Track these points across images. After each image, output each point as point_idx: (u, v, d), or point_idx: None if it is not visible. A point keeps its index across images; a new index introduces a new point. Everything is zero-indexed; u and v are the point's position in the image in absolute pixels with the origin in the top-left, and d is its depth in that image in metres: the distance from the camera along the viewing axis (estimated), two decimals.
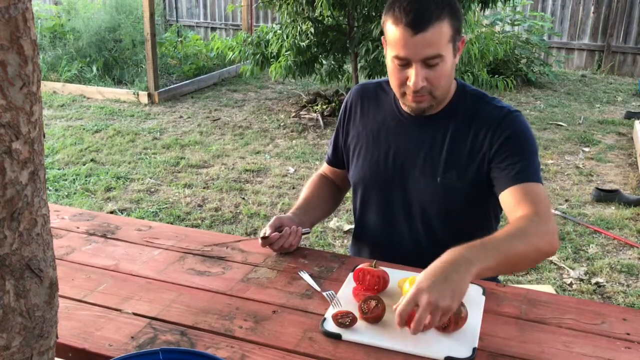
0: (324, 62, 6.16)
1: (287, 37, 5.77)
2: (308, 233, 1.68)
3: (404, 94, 1.52)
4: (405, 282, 1.35)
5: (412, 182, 1.61)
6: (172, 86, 6.93)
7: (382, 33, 1.53)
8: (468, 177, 1.55)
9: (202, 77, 7.43)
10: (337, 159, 1.82)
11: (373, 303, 1.29)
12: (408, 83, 1.46)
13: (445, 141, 1.57)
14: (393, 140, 1.63)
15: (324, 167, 1.89)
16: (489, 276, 1.40)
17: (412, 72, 1.45)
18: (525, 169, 1.48)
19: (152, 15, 6.36)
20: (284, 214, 1.70)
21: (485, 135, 1.53)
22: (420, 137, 1.60)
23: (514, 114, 1.55)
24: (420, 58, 1.42)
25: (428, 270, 1.23)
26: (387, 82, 1.61)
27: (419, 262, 1.57)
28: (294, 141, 5.40)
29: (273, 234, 1.59)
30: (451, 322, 1.23)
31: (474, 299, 1.36)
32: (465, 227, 1.61)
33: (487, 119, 1.54)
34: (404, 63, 1.45)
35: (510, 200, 1.47)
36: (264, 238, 1.59)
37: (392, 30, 1.44)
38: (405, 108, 1.60)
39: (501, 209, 1.68)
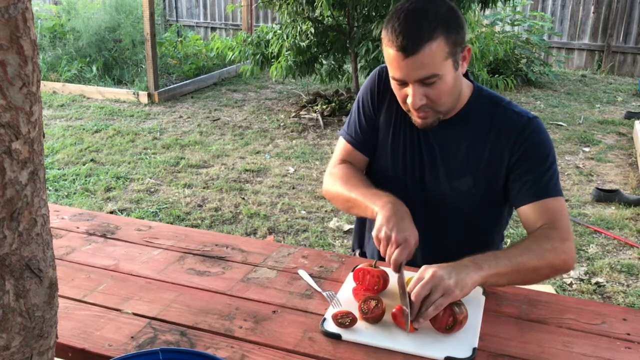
0: (324, 62, 6.17)
1: (287, 37, 5.77)
2: None
3: (408, 110, 1.50)
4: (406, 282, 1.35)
5: (426, 185, 1.59)
6: (172, 86, 6.93)
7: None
8: (484, 183, 1.54)
9: (202, 77, 7.43)
10: (366, 140, 1.66)
11: (373, 303, 1.29)
12: (407, 101, 1.45)
13: (463, 146, 1.55)
14: (410, 140, 1.60)
15: (344, 152, 1.70)
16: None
17: (409, 91, 1.43)
18: (546, 184, 1.48)
19: (152, 15, 6.36)
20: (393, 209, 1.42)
21: (507, 142, 1.51)
22: (436, 140, 1.57)
23: (534, 121, 1.51)
24: (414, 79, 1.40)
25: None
26: None
27: (423, 264, 1.57)
28: (294, 141, 5.39)
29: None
30: (455, 322, 1.23)
31: (474, 299, 1.36)
32: (474, 231, 1.62)
33: (506, 125, 1.51)
34: (401, 83, 1.44)
35: (530, 216, 1.48)
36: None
37: (386, 51, 1.42)
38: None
39: (510, 215, 1.68)
